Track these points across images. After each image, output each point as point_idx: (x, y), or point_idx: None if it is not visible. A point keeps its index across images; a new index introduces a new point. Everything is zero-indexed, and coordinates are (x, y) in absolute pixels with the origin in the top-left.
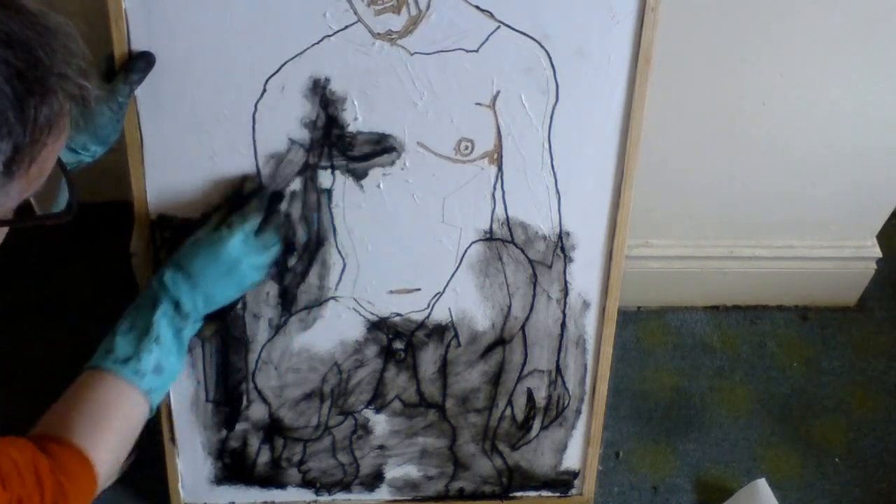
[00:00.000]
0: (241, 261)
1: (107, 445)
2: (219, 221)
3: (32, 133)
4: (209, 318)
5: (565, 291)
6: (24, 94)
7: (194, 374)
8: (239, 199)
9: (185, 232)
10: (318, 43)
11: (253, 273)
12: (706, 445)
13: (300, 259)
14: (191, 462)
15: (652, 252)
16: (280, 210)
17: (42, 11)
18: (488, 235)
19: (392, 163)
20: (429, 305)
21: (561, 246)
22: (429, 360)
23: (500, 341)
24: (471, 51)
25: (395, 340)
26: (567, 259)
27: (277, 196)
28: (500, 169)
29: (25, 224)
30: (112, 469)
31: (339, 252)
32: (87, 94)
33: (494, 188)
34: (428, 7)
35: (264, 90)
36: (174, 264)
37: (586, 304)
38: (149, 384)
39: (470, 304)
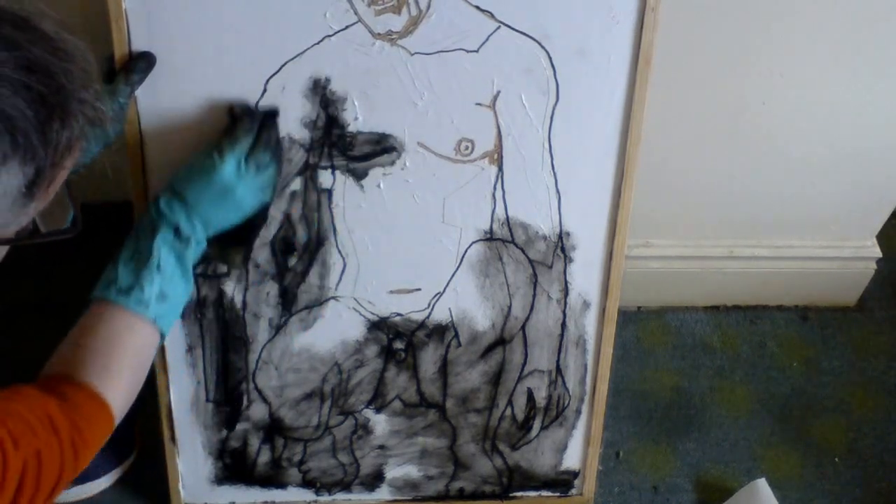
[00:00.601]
0: (236, 185)
1: (119, 379)
2: (213, 145)
3: (54, 156)
4: (231, 244)
5: (565, 291)
6: (47, 119)
7: (194, 374)
8: (232, 123)
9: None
10: (318, 43)
11: (251, 196)
12: (706, 445)
13: (300, 259)
14: (191, 462)
15: (652, 252)
16: (274, 128)
17: (60, 35)
18: (488, 235)
19: (392, 163)
20: (429, 305)
21: (561, 246)
22: (429, 359)
23: (501, 341)
24: (471, 51)
25: (396, 340)
26: (567, 259)
27: (270, 115)
28: (500, 169)
29: (34, 241)
30: (126, 403)
31: (340, 252)
32: (104, 117)
33: (495, 188)
34: (428, 7)
35: (265, 90)
36: (169, 190)
37: (586, 304)
38: (155, 311)
39: (470, 304)
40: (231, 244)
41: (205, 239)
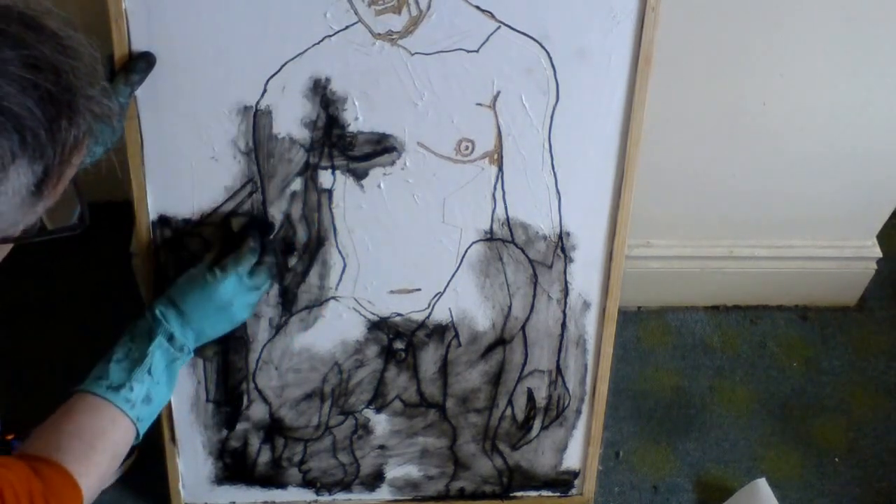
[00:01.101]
0: (233, 301)
1: (96, 470)
2: (212, 261)
3: (62, 154)
4: (209, 343)
5: (566, 291)
6: (55, 117)
7: (195, 374)
8: (230, 236)
9: (185, 232)
10: (318, 43)
11: (244, 310)
12: (706, 445)
13: (301, 259)
14: (191, 462)
15: (652, 252)
16: (274, 248)
17: (67, 33)
18: (489, 235)
19: (392, 163)
20: (429, 305)
21: (561, 246)
22: (429, 360)
23: (501, 341)
24: (471, 51)
25: (396, 340)
26: (567, 259)
27: (268, 229)
28: (500, 169)
29: (41, 238)
30: (96, 492)
31: (340, 252)
32: (111, 114)
33: (495, 188)
34: (428, 7)
35: (265, 90)
36: (167, 300)
37: (587, 304)
38: (138, 413)
39: (470, 304)
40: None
41: (193, 349)
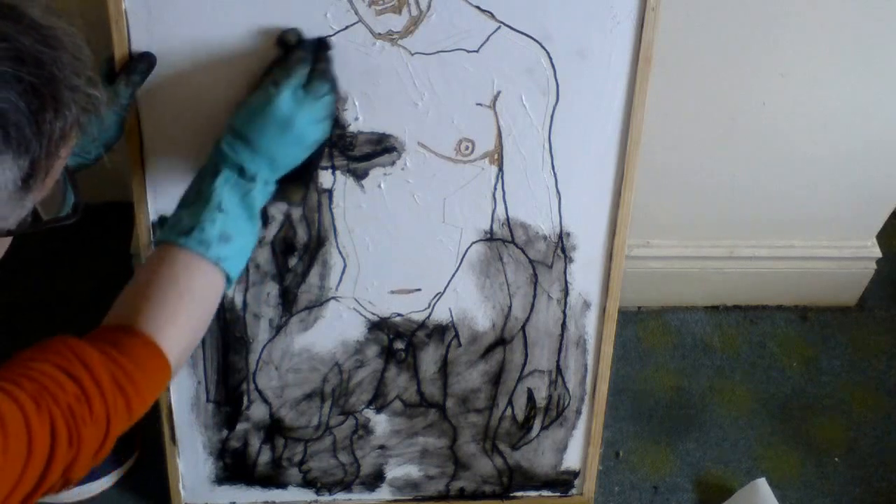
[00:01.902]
0: (295, 117)
1: (173, 324)
2: (266, 81)
3: (48, 147)
4: (291, 182)
5: (566, 291)
6: (39, 109)
7: (195, 375)
8: (284, 54)
9: None
10: None
11: (311, 129)
12: (706, 445)
13: (301, 259)
14: (191, 462)
15: (652, 252)
16: (328, 57)
17: (49, 22)
18: (489, 235)
19: (393, 163)
20: (429, 305)
21: (561, 246)
22: (429, 360)
23: (501, 341)
24: (471, 51)
25: (396, 340)
26: (567, 259)
27: (323, 43)
28: (500, 169)
29: (36, 230)
30: (186, 349)
31: (340, 252)
32: (98, 104)
33: (495, 188)
34: (429, 7)
35: None
36: (230, 130)
37: (587, 304)
38: (217, 252)
39: (470, 305)
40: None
41: (274, 180)
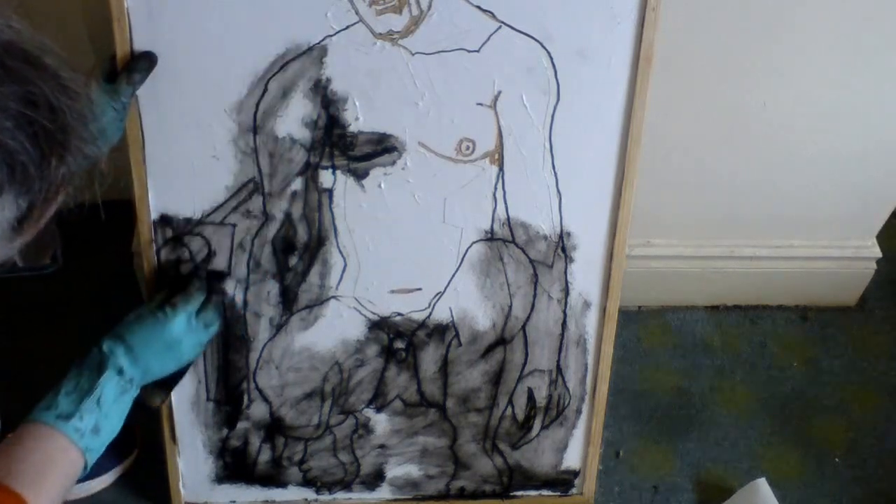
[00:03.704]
0: (182, 340)
1: (46, 496)
2: (161, 300)
3: (48, 191)
4: (158, 388)
5: (566, 291)
6: (47, 154)
7: (195, 373)
8: (178, 278)
9: (186, 231)
10: (319, 43)
11: (192, 350)
12: (706, 445)
13: (301, 258)
14: (192, 461)
15: (653, 252)
16: (222, 289)
17: (67, 73)
18: (489, 235)
19: (393, 163)
20: (430, 305)
21: (562, 246)
22: (430, 359)
23: (501, 341)
24: (472, 51)
25: (396, 340)
26: (568, 259)
27: (218, 275)
28: (501, 169)
29: (10, 275)
30: None
31: (341, 252)
32: (100, 156)
33: (495, 188)
34: (429, 7)
35: (265, 90)
36: (116, 336)
37: (587, 304)
38: (86, 443)
39: (471, 304)
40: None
41: (140, 386)
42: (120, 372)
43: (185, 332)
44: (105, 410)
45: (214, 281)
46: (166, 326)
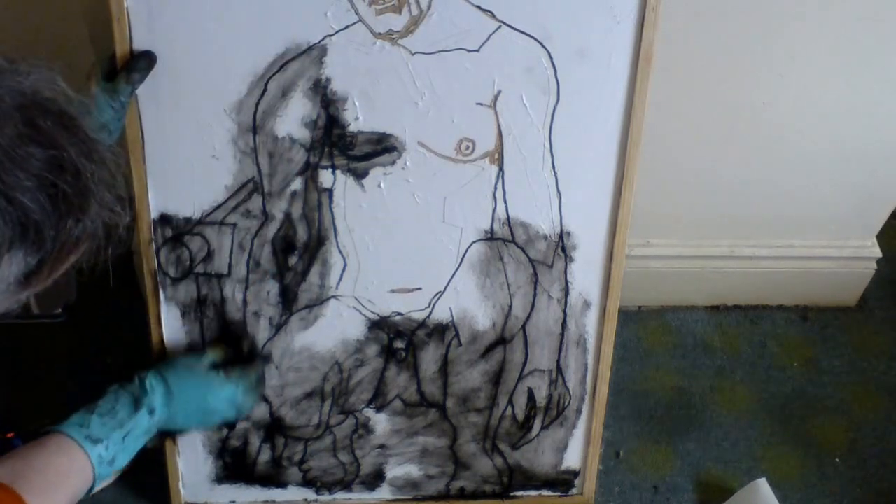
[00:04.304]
0: (218, 409)
1: None
2: (217, 360)
3: (60, 251)
4: (164, 434)
5: (566, 291)
6: (64, 215)
7: None
8: (236, 348)
9: (186, 230)
10: (319, 42)
11: (218, 420)
12: (707, 445)
13: (301, 258)
14: (191, 461)
15: (653, 252)
16: (262, 380)
17: (98, 141)
18: (489, 235)
19: (393, 162)
20: (430, 305)
21: (562, 245)
22: (429, 359)
23: (501, 341)
24: (472, 50)
25: (396, 340)
26: (568, 259)
27: (265, 361)
28: (500, 169)
29: (21, 321)
30: None
31: (340, 251)
32: (120, 222)
33: (495, 188)
34: (429, 7)
35: (265, 90)
36: (161, 375)
37: (587, 304)
38: (101, 471)
39: (471, 304)
40: (163, 434)
41: (158, 428)
42: (151, 412)
43: (225, 403)
44: (125, 446)
45: (264, 366)
46: (211, 391)
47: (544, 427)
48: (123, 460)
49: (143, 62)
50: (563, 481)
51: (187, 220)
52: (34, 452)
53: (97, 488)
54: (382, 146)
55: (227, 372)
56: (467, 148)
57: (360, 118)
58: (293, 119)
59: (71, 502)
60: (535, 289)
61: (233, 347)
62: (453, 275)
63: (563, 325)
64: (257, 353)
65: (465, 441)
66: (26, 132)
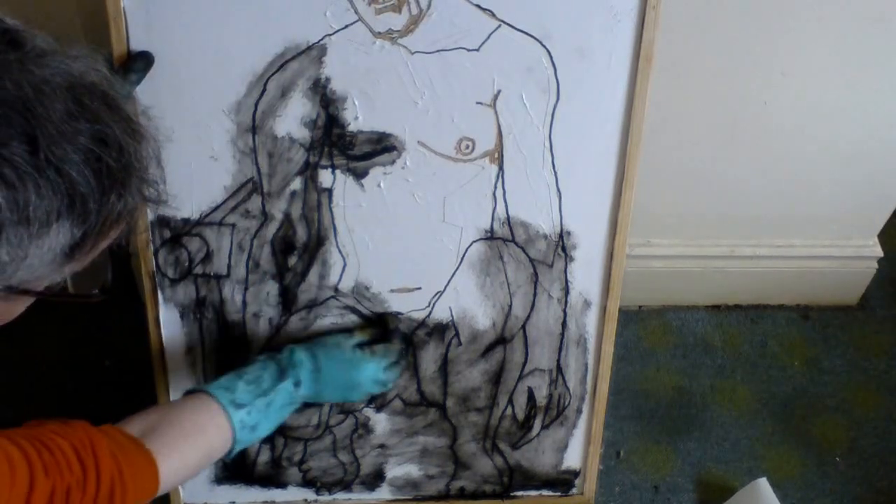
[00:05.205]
0: (362, 384)
1: (181, 460)
2: (362, 339)
3: (103, 224)
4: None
5: (566, 290)
6: (108, 190)
7: (194, 374)
8: (381, 325)
9: (184, 232)
10: (318, 42)
11: (361, 395)
12: (707, 445)
13: (301, 258)
14: None
15: (653, 251)
16: (407, 355)
17: (140, 119)
18: (489, 234)
19: (392, 162)
20: (429, 304)
21: (562, 245)
22: (429, 358)
23: (501, 340)
24: (472, 50)
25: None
26: (568, 258)
27: (407, 338)
28: (500, 168)
29: (60, 300)
30: (174, 484)
31: (340, 251)
32: (160, 199)
33: (495, 187)
34: (429, 6)
35: (264, 89)
36: (310, 351)
37: (587, 304)
38: (241, 436)
39: (471, 303)
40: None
41: (304, 402)
42: (296, 384)
43: (368, 379)
44: (269, 414)
45: (405, 347)
46: (357, 367)
47: (544, 427)
48: (266, 428)
49: (140, 62)
50: (563, 481)
51: (186, 220)
52: (174, 407)
53: (236, 451)
54: (382, 146)
55: (371, 350)
56: (467, 147)
57: (359, 118)
58: (292, 119)
59: (205, 459)
60: (536, 288)
61: (377, 328)
62: (453, 274)
63: (564, 324)
64: (399, 332)
65: (465, 441)
66: (74, 109)
